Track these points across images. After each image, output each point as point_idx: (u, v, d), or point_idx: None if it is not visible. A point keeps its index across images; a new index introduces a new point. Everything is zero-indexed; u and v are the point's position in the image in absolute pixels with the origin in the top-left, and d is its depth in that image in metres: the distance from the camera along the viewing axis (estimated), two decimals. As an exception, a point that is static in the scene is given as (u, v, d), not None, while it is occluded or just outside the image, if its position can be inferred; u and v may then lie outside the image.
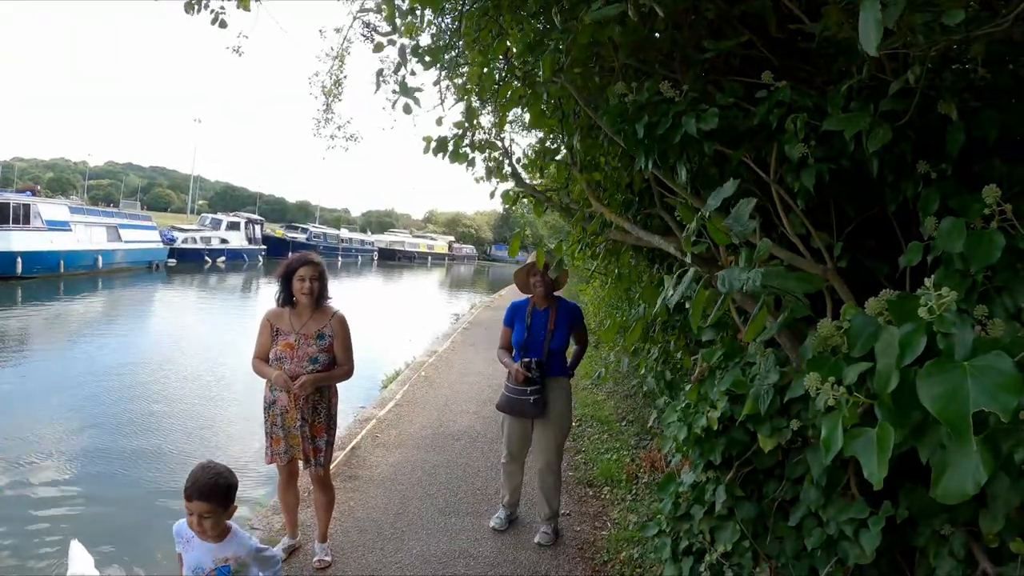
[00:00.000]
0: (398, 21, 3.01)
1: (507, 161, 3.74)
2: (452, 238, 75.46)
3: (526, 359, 3.61)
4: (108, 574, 3.75)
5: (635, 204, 3.20)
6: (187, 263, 30.32)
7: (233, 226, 35.54)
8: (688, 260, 1.96)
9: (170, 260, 29.30)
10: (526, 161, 4.07)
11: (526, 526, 3.93)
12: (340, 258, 47.37)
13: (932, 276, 1.19)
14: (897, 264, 1.75)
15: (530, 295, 3.80)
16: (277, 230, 45.96)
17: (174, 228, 33.78)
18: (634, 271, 4.45)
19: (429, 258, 61.84)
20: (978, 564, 1.50)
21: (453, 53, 3.64)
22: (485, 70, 3.14)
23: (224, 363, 10.15)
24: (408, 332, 14.26)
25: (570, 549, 3.69)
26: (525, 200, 4.01)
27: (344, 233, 56.31)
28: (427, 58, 3.24)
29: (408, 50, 3.21)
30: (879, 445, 1.16)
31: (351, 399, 7.13)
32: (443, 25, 4.13)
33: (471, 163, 3.54)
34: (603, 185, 3.29)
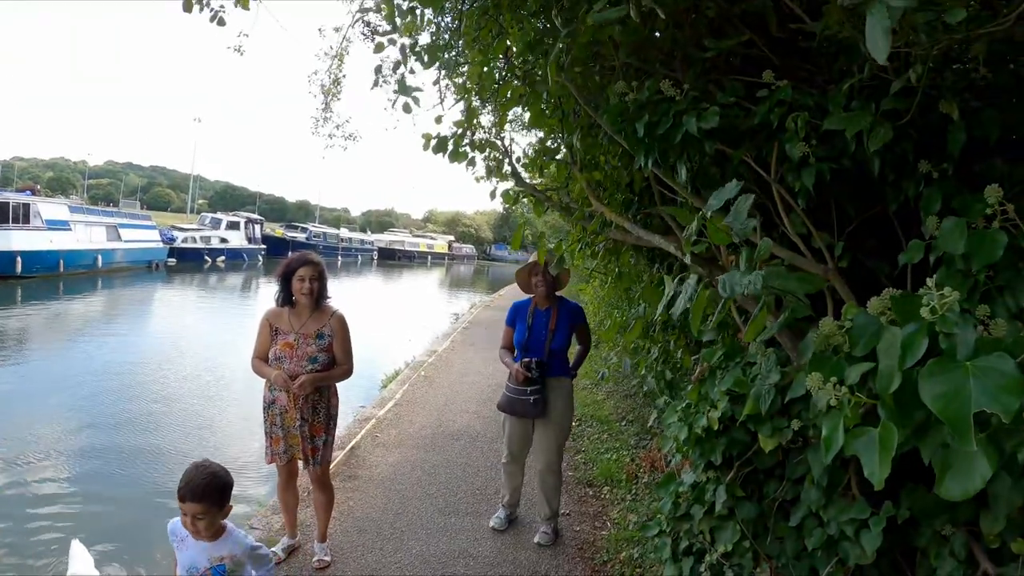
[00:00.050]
0: (398, 20, 3.01)
1: (507, 160, 3.74)
2: (452, 238, 75.45)
3: (526, 359, 3.61)
4: (108, 573, 3.74)
5: (635, 203, 3.20)
6: (187, 262, 30.31)
7: (233, 226, 35.52)
8: (688, 260, 1.96)
9: (170, 260, 29.28)
10: (526, 161, 4.07)
11: (526, 526, 3.92)
12: (340, 258, 47.36)
13: (934, 276, 1.19)
14: (898, 264, 1.75)
15: (532, 295, 3.79)
16: (277, 230, 45.95)
17: (174, 227, 33.77)
18: (634, 270, 4.45)
19: (429, 258, 61.83)
20: (979, 564, 1.50)
21: (453, 52, 3.63)
22: (485, 69, 3.13)
23: (223, 363, 10.15)
24: (408, 332, 14.25)
25: (570, 549, 3.68)
26: (525, 200, 4.00)
27: (344, 233, 56.30)
28: (426, 57, 3.24)
29: (408, 49, 3.21)
30: (882, 445, 1.15)
31: (351, 399, 7.13)
32: (443, 24, 4.13)
33: (471, 162, 3.54)
34: (603, 184, 3.29)
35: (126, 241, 25.62)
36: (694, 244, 1.70)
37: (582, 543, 3.77)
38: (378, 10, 3.60)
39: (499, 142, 3.71)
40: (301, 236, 44.89)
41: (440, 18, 3.98)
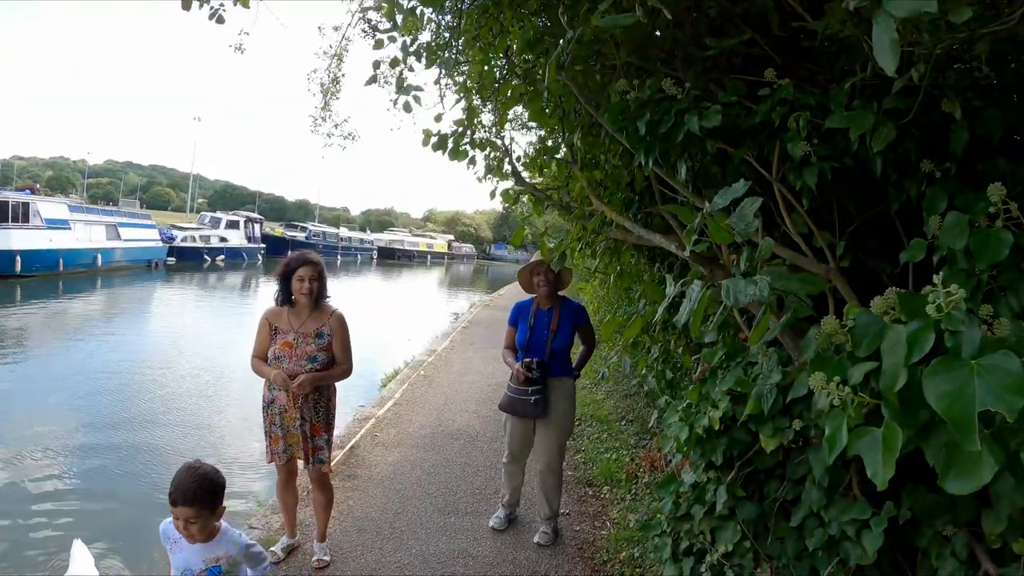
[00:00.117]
0: (399, 18, 3.00)
1: (507, 160, 3.73)
2: (451, 237, 75.41)
3: (527, 359, 3.60)
4: (107, 572, 3.74)
5: (635, 203, 3.19)
6: (186, 262, 30.29)
7: (232, 225, 35.50)
8: (688, 256, 1.95)
9: (169, 259, 29.27)
10: (526, 160, 4.06)
11: (525, 526, 3.92)
12: (339, 257, 47.34)
13: (940, 273, 1.18)
14: (899, 263, 1.74)
15: (534, 295, 3.78)
16: (276, 229, 45.90)
17: (173, 227, 33.75)
18: (635, 270, 4.44)
19: (428, 257, 61.81)
20: (980, 565, 1.49)
21: (453, 51, 3.62)
22: (485, 68, 3.13)
23: (223, 362, 10.14)
24: (407, 331, 14.25)
25: (569, 549, 3.68)
26: (525, 199, 3.99)
27: (343, 232, 56.27)
28: (424, 57, 3.23)
29: (408, 47, 3.20)
30: (885, 445, 1.14)
31: (350, 398, 7.13)
32: (443, 23, 4.12)
33: (471, 161, 3.53)
34: (603, 183, 3.28)
35: (126, 240, 25.60)
36: (695, 243, 1.70)
37: (582, 543, 3.77)
38: (378, 8, 3.59)
39: (499, 141, 3.70)
40: (301, 235, 44.84)
41: (440, 17, 3.98)
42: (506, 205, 4.11)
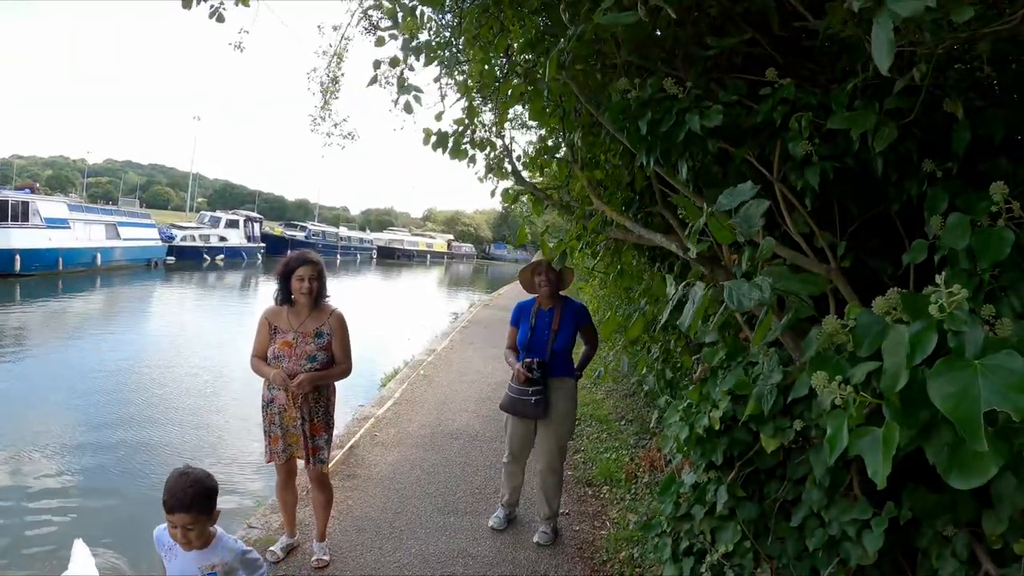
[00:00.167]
0: (399, 16, 2.99)
1: (507, 159, 3.73)
2: (451, 236, 75.41)
3: (527, 359, 3.59)
4: (107, 572, 3.73)
5: (636, 202, 3.19)
6: (186, 261, 30.28)
7: (232, 224, 35.49)
8: (689, 255, 1.95)
9: (169, 258, 29.26)
10: (526, 159, 4.06)
11: (525, 525, 3.91)
12: (339, 256, 47.33)
13: (943, 274, 1.18)
14: (900, 263, 1.74)
15: (536, 295, 3.77)
16: (276, 228, 45.91)
17: (173, 226, 33.76)
18: (635, 270, 4.44)
19: (428, 256, 61.80)
20: (981, 565, 1.49)
21: (453, 50, 3.61)
22: (486, 67, 3.12)
23: (222, 361, 10.13)
24: (407, 330, 14.24)
25: (569, 549, 3.68)
26: (524, 199, 3.99)
27: (343, 231, 56.28)
28: (423, 56, 3.22)
29: (409, 47, 3.20)
30: (884, 444, 1.14)
31: (349, 398, 7.12)
32: (443, 22, 4.11)
33: (472, 160, 3.53)
34: (604, 183, 3.28)
35: (125, 239, 25.59)
36: (697, 243, 1.69)
37: (581, 543, 3.76)
38: (378, 6, 3.58)
39: (499, 140, 3.70)
40: (300, 235, 44.85)
41: (440, 16, 3.97)
42: (506, 205, 4.12)
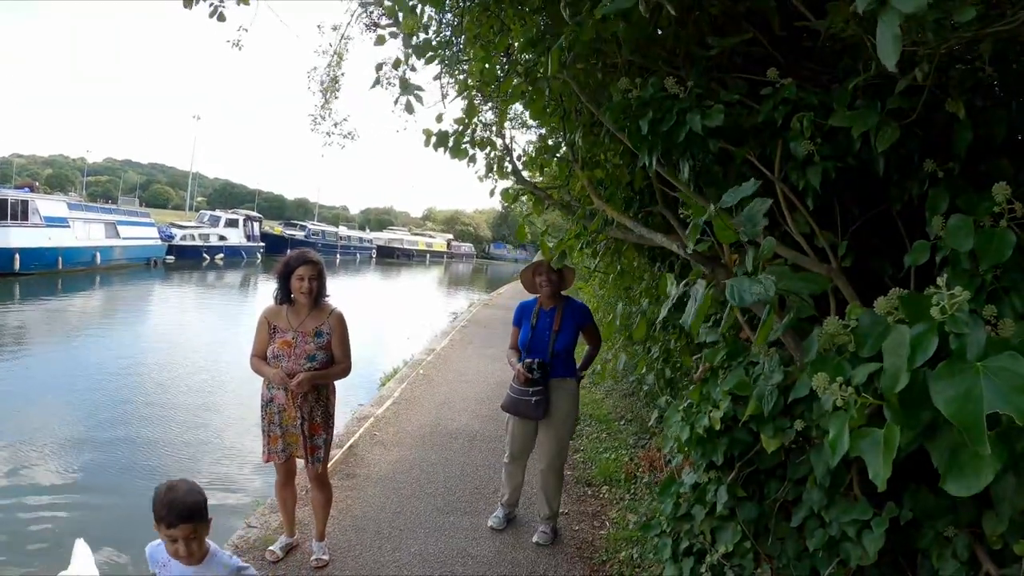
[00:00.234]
0: (400, 15, 2.99)
1: (508, 158, 3.72)
2: (451, 236, 75.42)
3: (528, 360, 3.59)
4: (107, 572, 3.73)
5: (636, 202, 3.18)
6: (185, 260, 30.27)
7: (231, 223, 35.47)
8: (688, 253, 1.94)
9: (168, 257, 29.25)
10: (526, 159, 4.05)
11: (524, 525, 3.91)
12: (338, 256, 47.31)
13: (944, 275, 1.18)
14: (901, 264, 1.74)
15: (537, 295, 3.77)
16: (275, 227, 45.88)
17: (172, 225, 33.74)
18: (635, 270, 4.44)
19: (427, 256, 61.79)
20: (981, 566, 1.49)
21: (454, 49, 3.61)
22: (487, 66, 3.12)
23: (222, 360, 10.13)
24: (406, 330, 14.24)
25: (568, 549, 3.67)
26: (524, 198, 3.98)
27: (343, 231, 56.27)
28: (422, 54, 3.22)
29: (409, 46, 3.19)
30: (885, 446, 1.14)
31: (349, 397, 7.11)
32: (444, 20, 4.11)
33: (472, 159, 3.52)
34: (604, 183, 3.27)
35: (125, 238, 25.57)
36: (698, 242, 1.69)
37: (581, 543, 3.76)
38: (379, 4, 3.58)
39: (500, 140, 3.69)
40: (300, 234, 44.82)
41: (441, 15, 3.97)
42: (506, 204, 4.11)
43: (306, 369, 3.06)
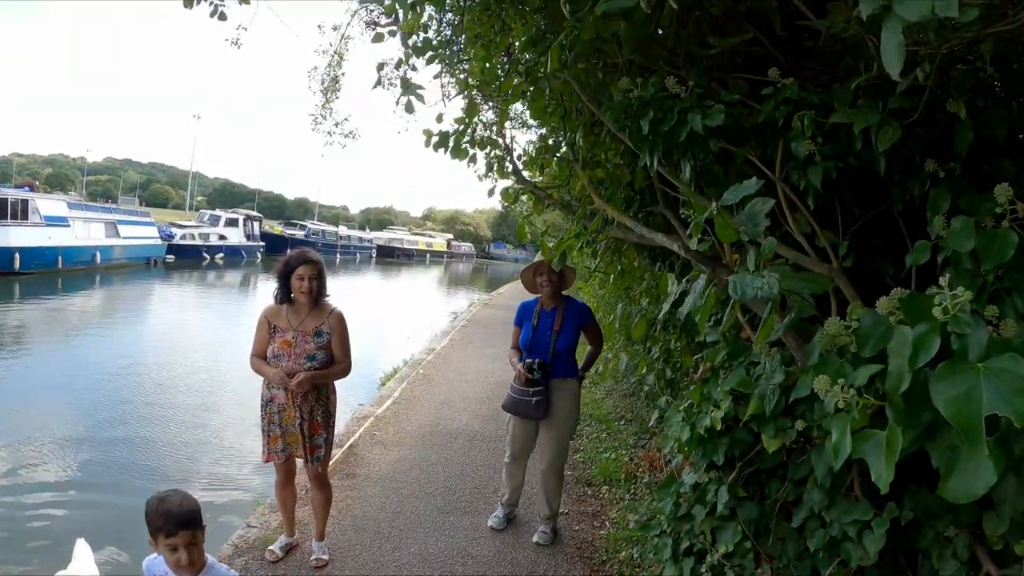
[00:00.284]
0: (400, 13, 2.99)
1: (508, 158, 3.72)
2: (451, 236, 75.40)
3: (528, 360, 3.58)
4: (107, 572, 3.72)
5: (637, 202, 3.18)
6: (185, 259, 30.28)
7: (231, 223, 35.47)
8: (689, 251, 1.94)
9: (168, 256, 29.25)
10: (527, 158, 4.05)
11: (524, 525, 3.91)
12: (338, 255, 47.31)
13: (946, 275, 1.18)
14: (902, 263, 1.74)
15: (538, 295, 3.76)
16: (275, 227, 45.92)
17: (172, 224, 33.73)
18: (636, 270, 4.44)
19: (427, 256, 61.78)
20: (981, 566, 1.49)
21: (455, 48, 3.61)
22: (487, 65, 3.11)
23: (222, 360, 10.13)
24: (406, 330, 14.24)
25: (568, 549, 3.67)
26: (524, 198, 3.98)
27: (343, 230, 56.27)
28: (422, 53, 3.21)
29: (409, 46, 3.19)
30: (888, 448, 1.14)
31: (349, 397, 7.11)
32: (444, 20, 4.11)
33: (472, 159, 3.52)
34: (604, 183, 3.27)
35: (125, 238, 25.57)
36: (699, 242, 1.69)
37: (581, 543, 3.76)
38: (379, 2, 3.58)
39: (500, 139, 3.69)
40: (300, 233, 44.84)
41: (441, 14, 3.97)
42: (506, 204, 4.11)
43: (306, 369, 3.05)
